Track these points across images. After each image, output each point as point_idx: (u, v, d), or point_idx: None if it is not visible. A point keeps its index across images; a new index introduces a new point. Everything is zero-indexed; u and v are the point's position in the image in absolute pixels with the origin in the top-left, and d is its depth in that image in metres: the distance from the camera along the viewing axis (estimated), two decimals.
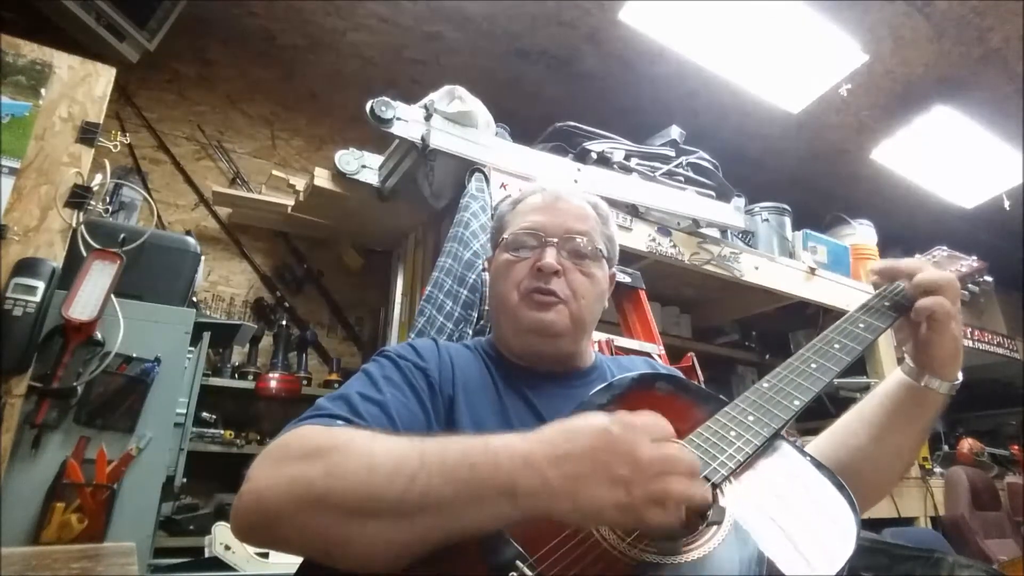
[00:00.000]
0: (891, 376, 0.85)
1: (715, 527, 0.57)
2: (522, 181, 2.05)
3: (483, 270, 1.67)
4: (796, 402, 0.70)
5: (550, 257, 0.89)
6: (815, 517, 0.58)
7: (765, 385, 0.74)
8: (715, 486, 0.61)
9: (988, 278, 0.97)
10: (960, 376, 0.81)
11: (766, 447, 0.66)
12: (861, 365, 3.01)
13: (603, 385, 0.79)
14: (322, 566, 0.57)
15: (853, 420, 0.86)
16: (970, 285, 0.95)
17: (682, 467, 0.52)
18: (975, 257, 0.97)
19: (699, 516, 0.58)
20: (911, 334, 0.82)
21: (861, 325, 0.81)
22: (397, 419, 0.72)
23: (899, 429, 0.81)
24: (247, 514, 0.58)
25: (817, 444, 0.87)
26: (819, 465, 0.65)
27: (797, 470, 0.65)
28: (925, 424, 0.82)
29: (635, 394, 0.78)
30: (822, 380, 0.73)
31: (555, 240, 0.91)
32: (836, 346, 0.78)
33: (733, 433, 0.66)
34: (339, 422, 0.67)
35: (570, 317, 0.90)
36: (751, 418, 0.68)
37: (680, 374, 0.98)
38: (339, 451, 0.57)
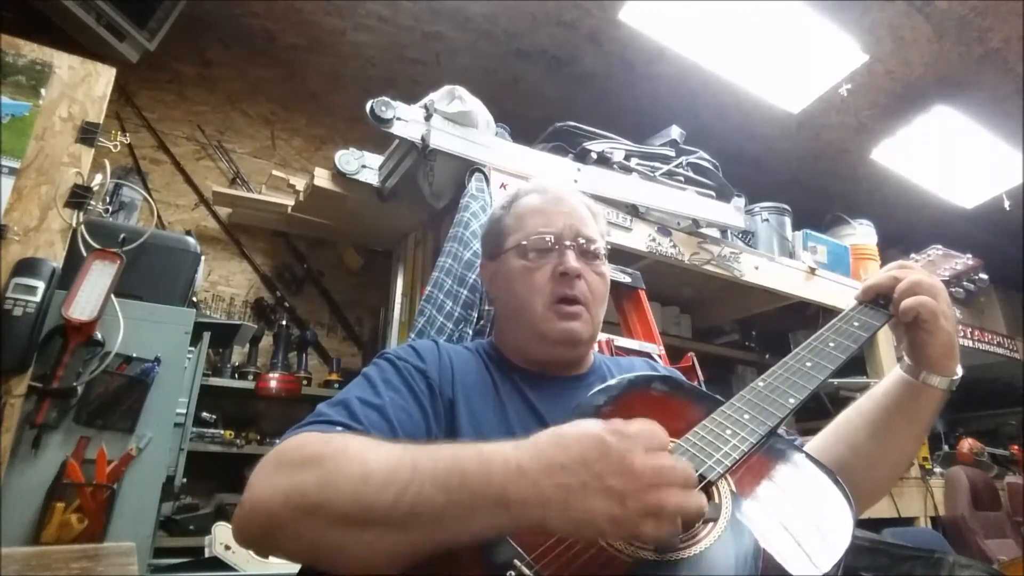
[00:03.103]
0: (891, 373, 0.84)
1: (712, 524, 0.57)
2: (522, 181, 2.05)
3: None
4: (791, 400, 0.70)
5: (573, 261, 0.90)
6: (811, 512, 0.58)
7: (761, 384, 0.74)
8: (711, 484, 0.61)
9: (983, 276, 0.97)
10: (959, 371, 0.80)
11: (762, 445, 0.67)
12: (861, 365, 3.01)
13: (600, 386, 0.79)
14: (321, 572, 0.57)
15: (853, 417, 0.85)
16: (965, 283, 0.95)
17: (677, 477, 0.51)
18: (969, 255, 0.97)
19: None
20: (905, 333, 0.82)
21: (856, 323, 0.81)
22: (396, 423, 0.72)
23: (899, 426, 0.81)
24: (247, 523, 0.59)
25: (817, 441, 0.87)
26: (815, 462, 0.65)
27: (793, 467, 0.65)
28: (925, 421, 0.81)
29: (632, 395, 0.79)
30: (817, 378, 0.73)
31: (570, 243, 0.92)
32: (831, 344, 0.78)
33: (729, 431, 0.66)
34: (338, 428, 0.67)
35: (591, 322, 0.92)
36: (747, 416, 0.69)
37: (678, 374, 0.98)
38: (333, 460, 0.57)
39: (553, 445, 0.52)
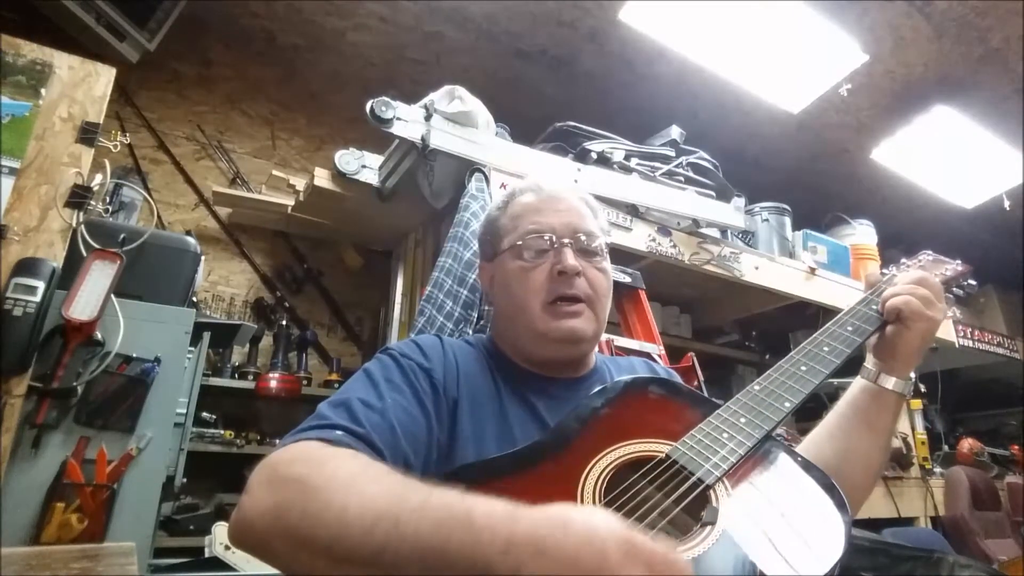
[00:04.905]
0: (852, 385, 0.89)
1: (709, 527, 0.57)
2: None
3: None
4: (787, 404, 0.71)
5: (571, 259, 0.88)
6: (806, 518, 0.59)
7: (756, 388, 0.75)
8: (709, 487, 0.61)
9: (972, 281, 1.00)
10: (912, 376, 0.86)
11: (758, 448, 0.67)
12: (859, 366, 3.01)
13: (598, 389, 0.79)
14: None
15: (820, 434, 0.89)
16: (955, 288, 0.98)
17: None
18: (959, 261, 1.00)
19: (693, 517, 0.59)
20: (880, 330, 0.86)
21: (849, 328, 0.83)
22: (397, 425, 0.71)
23: (862, 434, 0.84)
24: (241, 533, 0.59)
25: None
26: (809, 466, 0.66)
27: (789, 470, 0.66)
28: (885, 427, 0.85)
29: (628, 397, 0.79)
30: (812, 382, 0.75)
31: (568, 241, 0.90)
32: (825, 348, 0.80)
33: (726, 435, 0.67)
34: (338, 432, 0.66)
35: (595, 319, 0.90)
36: (743, 420, 0.69)
37: (676, 376, 0.98)
38: (319, 492, 0.55)
39: (550, 531, 0.46)
